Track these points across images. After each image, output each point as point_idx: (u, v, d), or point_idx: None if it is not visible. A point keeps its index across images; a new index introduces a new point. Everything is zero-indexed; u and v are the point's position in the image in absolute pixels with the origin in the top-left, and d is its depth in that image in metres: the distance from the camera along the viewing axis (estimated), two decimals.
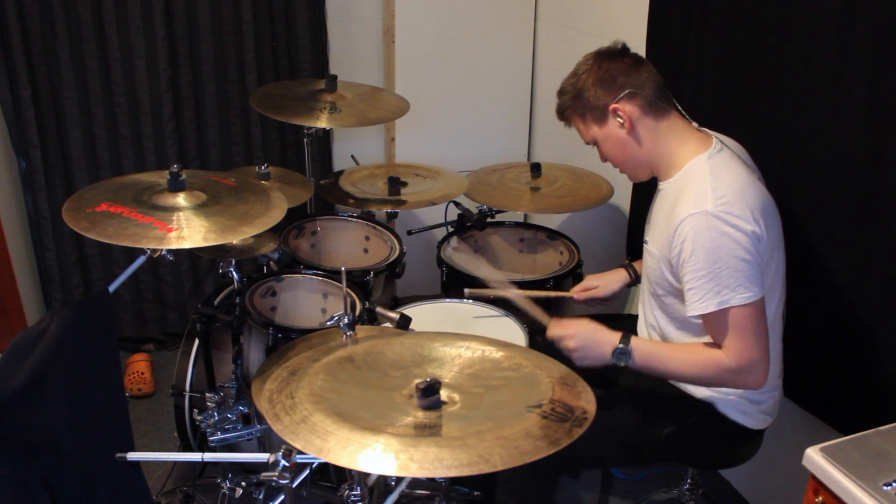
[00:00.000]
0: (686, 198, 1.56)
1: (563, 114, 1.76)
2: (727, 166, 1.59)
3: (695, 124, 1.71)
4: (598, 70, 1.66)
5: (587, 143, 1.76)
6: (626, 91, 1.64)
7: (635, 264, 2.05)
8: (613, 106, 1.65)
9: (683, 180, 1.62)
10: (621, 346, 1.62)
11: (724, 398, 1.68)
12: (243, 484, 2.07)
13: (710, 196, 1.51)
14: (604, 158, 1.76)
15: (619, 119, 1.65)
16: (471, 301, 2.14)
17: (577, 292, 2.10)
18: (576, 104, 1.71)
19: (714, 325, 1.54)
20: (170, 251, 1.58)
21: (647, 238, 1.74)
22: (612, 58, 1.67)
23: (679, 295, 1.62)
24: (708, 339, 1.60)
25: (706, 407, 1.69)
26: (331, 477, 2.16)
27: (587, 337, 1.67)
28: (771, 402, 1.71)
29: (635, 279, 2.04)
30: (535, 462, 1.64)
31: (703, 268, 1.50)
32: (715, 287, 1.50)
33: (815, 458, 1.26)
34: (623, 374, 1.86)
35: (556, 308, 2.32)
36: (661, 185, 1.70)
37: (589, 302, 2.09)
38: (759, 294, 1.51)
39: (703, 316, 1.54)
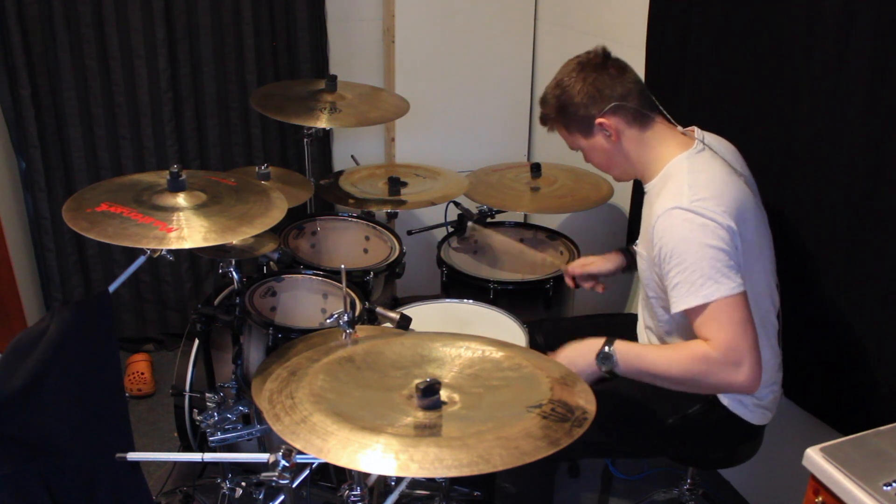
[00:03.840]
0: (663, 195, 1.57)
1: (546, 123, 1.76)
2: (706, 165, 1.60)
3: (679, 128, 1.71)
4: (584, 83, 1.64)
5: (572, 149, 1.77)
6: (612, 104, 1.63)
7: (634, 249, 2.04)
8: (599, 120, 1.64)
9: (664, 180, 1.63)
10: (604, 349, 1.59)
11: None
12: (243, 484, 2.07)
13: (686, 192, 1.52)
14: (587, 160, 1.78)
15: (605, 132, 1.66)
16: (471, 301, 2.14)
17: (573, 266, 2.11)
18: (560, 116, 1.70)
19: (699, 319, 1.51)
20: (170, 251, 1.57)
21: (636, 239, 1.75)
22: (597, 68, 1.65)
23: (665, 293, 1.61)
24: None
25: (708, 398, 1.69)
26: (331, 477, 2.15)
27: (571, 352, 1.66)
28: (770, 397, 1.70)
29: (631, 263, 2.04)
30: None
31: (684, 261, 1.50)
32: (698, 280, 1.49)
33: (815, 458, 1.26)
34: None
35: (556, 299, 2.33)
36: (646, 188, 1.71)
37: (583, 279, 2.09)
38: (742, 286, 1.49)
39: (687, 311, 1.52)
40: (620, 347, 1.59)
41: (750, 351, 1.49)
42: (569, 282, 2.13)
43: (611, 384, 1.68)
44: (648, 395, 1.72)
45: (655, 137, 1.66)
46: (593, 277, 2.09)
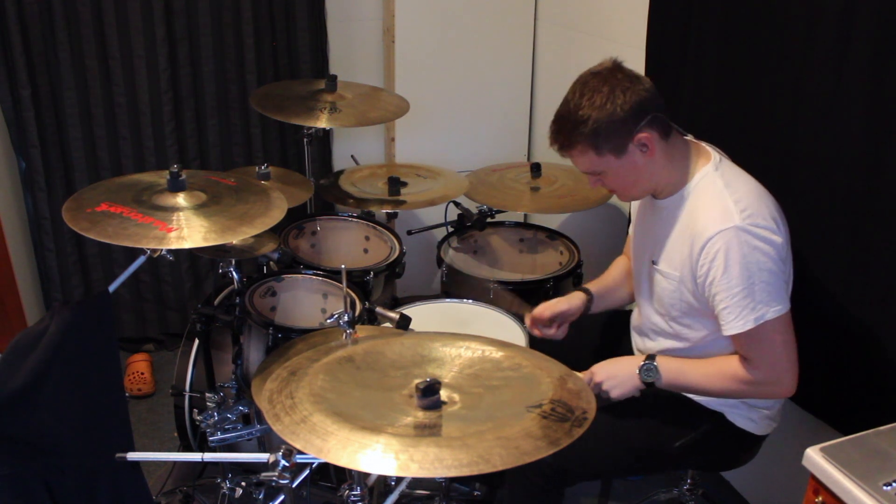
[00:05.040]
0: (707, 214, 1.52)
1: (574, 146, 1.57)
2: (737, 175, 1.58)
3: (689, 136, 1.67)
4: (625, 95, 1.50)
5: (586, 172, 1.64)
6: (649, 116, 1.52)
7: (592, 289, 1.92)
8: (639, 136, 1.52)
9: (695, 196, 1.57)
10: (648, 363, 1.63)
11: (732, 407, 1.68)
12: (243, 484, 2.07)
13: (734, 209, 1.49)
14: (595, 184, 1.66)
15: (642, 147, 1.54)
16: (471, 301, 2.14)
17: (539, 309, 1.88)
18: (593, 138, 1.53)
19: (747, 343, 1.53)
20: (170, 251, 1.58)
21: (653, 258, 1.68)
22: (630, 80, 1.52)
23: (697, 315, 1.61)
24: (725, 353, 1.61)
25: (715, 417, 1.69)
26: (331, 477, 2.16)
27: (608, 366, 1.67)
28: (777, 406, 1.71)
29: (589, 307, 1.90)
30: (548, 479, 1.64)
31: (738, 284, 1.48)
32: (751, 304, 1.48)
33: (815, 458, 1.26)
34: None
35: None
36: (663, 202, 1.64)
37: (548, 323, 1.87)
38: (788, 306, 1.51)
39: (738, 335, 1.52)
40: (663, 363, 1.63)
41: (790, 368, 1.54)
42: (533, 329, 1.89)
43: (614, 413, 1.70)
44: (652, 422, 1.72)
45: (675, 147, 1.59)
46: (553, 321, 1.87)
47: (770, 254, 1.48)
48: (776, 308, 1.49)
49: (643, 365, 1.63)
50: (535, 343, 1.91)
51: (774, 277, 1.49)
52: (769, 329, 1.50)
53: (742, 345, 1.55)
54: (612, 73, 1.54)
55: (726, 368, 1.58)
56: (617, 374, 1.65)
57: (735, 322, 1.50)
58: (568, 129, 1.55)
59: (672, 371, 1.63)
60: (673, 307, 1.66)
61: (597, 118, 1.51)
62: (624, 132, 1.53)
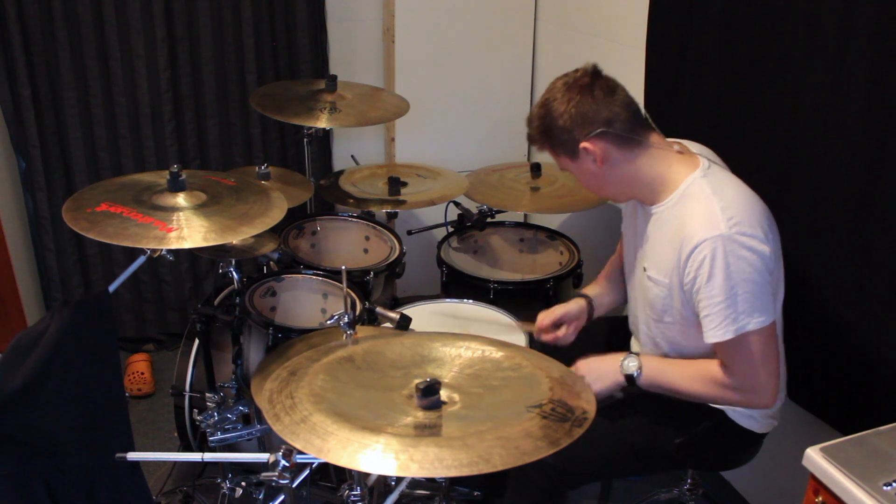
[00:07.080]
0: (694, 221, 1.51)
1: (533, 143, 1.68)
2: (726, 182, 1.57)
3: (676, 146, 1.66)
4: (567, 105, 1.56)
5: (561, 170, 1.71)
6: (597, 130, 1.55)
7: (589, 293, 1.94)
8: (583, 145, 1.57)
9: (683, 202, 1.56)
10: (629, 355, 1.64)
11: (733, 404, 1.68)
12: (243, 484, 2.07)
13: (721, 217, 1.48)
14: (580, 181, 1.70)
15: (590, 156, 1.58)
16: (471, 301, 2.14)
17: (540, 318, 1.90)
18: (544, 137, 1.63)
19: (726, 350, 1.54)
20: (170, 251, 1.58)
21: (645, 265, 1.68)
22: (582, 90, 1.56)
23: (686, 321, 1.61)
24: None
25: (716, 414, 1.68)
26: (331, 477, 2.16)
27: (590, 362, 1.68)
28: (778, 405, 1.70)
29: (591, 311, 1.92)
30: (551, 482, 1.64)
31: (720, 293, 1.48)
32: (732, 314, 1.48)
33: (815, 458, 1.26)
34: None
35: (556, 299, 2.31)
36: (654, 209, 1.63)
37: (551, 329, 1.88)
38: (772, 318, 1.51)
39: (718, 342, 1.53)
40: (644, 361, 1.64)
41: (770, 380, 1.54)
42: (546, 337, 1.90)
43: (614, 412, 1.70)
44: (653, 419, 1.72)
45: (651, 157, 1.59)
46: (558, 326, 1.88)
47: (755, 263, 1.47)
48: (758, 319, 1.48)
49: (626, 358, 1.65)
50: (535, 343, 1.92)
51: (758, 288, 1.48)
52: (749, 340, 1.50)
53: (722, 352, 1.56)
54: (577, 80, 1.58)
55: (706, 371, 1.58)
56: (598, 368, 1.67)
57: (716, 330, 1.50)
58: (527, 126, 1.67)
59: (654, 368, 1.64)
60: (666, 313, 1.66)
61: (543, 120, 1.61)
62: (569, 139, 1.59)
